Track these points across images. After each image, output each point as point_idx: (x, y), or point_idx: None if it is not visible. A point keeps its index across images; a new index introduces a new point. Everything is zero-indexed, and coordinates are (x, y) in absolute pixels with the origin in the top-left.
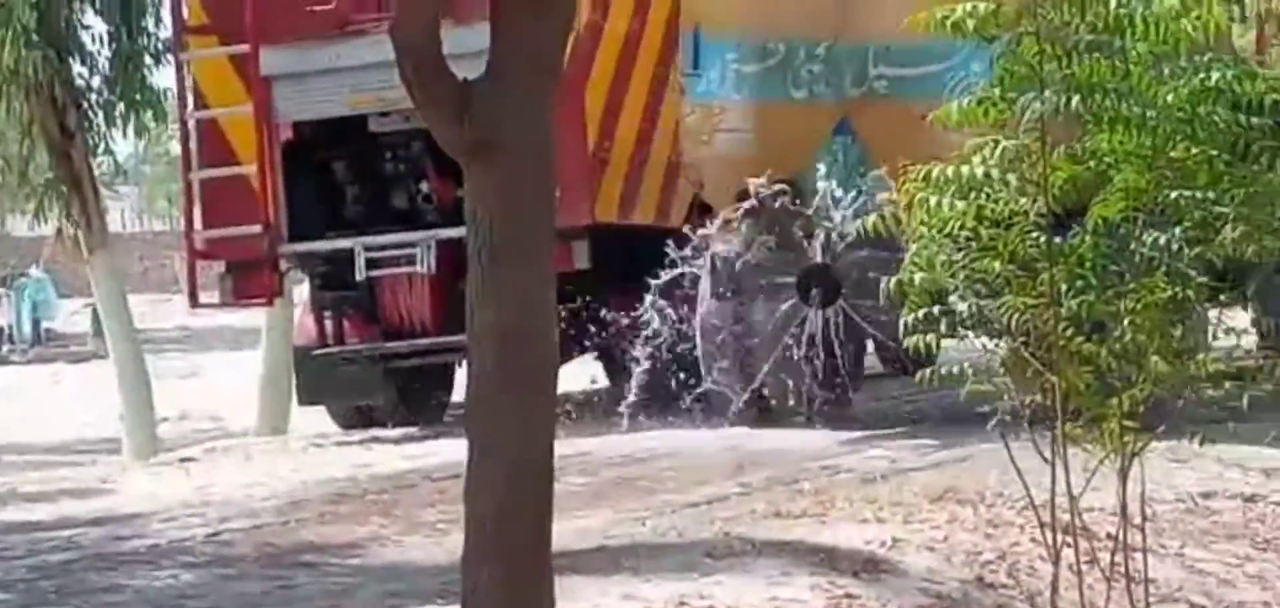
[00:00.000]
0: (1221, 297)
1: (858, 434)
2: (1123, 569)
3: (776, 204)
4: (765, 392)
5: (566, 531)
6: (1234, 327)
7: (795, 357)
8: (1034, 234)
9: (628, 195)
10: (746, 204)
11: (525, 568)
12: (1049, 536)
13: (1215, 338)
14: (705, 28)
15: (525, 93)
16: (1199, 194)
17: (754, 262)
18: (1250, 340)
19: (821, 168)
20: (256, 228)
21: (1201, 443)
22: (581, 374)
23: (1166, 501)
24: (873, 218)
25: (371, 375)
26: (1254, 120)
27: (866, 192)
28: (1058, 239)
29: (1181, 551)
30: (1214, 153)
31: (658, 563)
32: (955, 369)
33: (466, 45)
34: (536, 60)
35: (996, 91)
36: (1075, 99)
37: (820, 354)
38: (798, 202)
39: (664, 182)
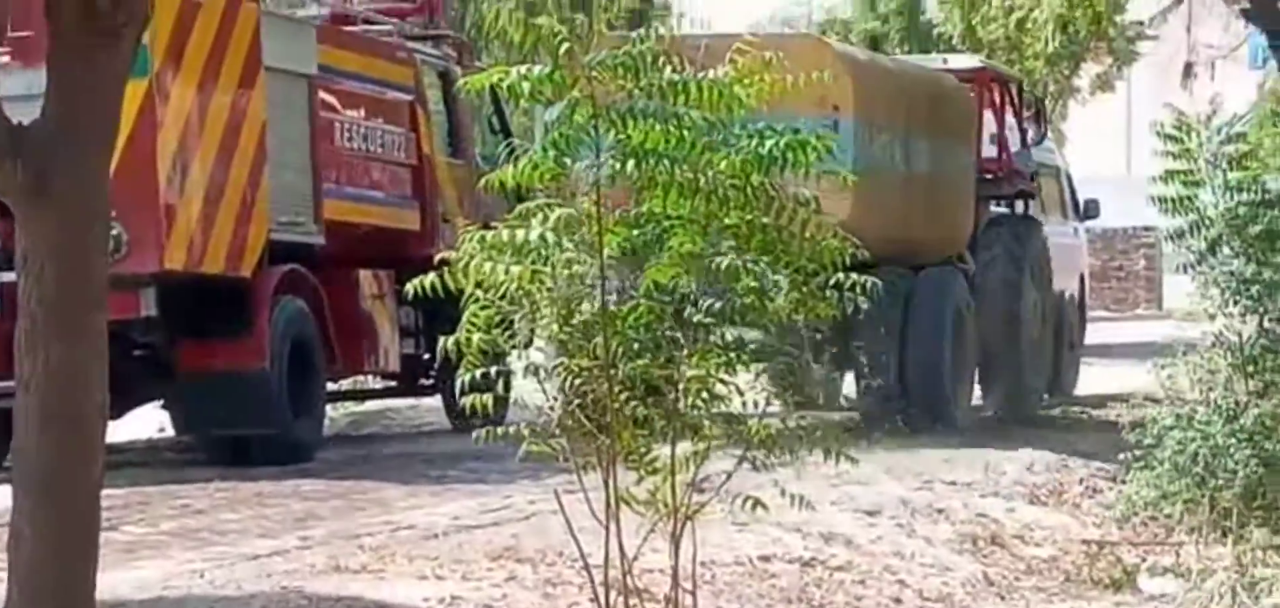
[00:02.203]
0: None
1: (424, 489)
2: None
3: None
4: None
5: (123, 581)
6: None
7: None
8: (591, 297)
9: (198, 244)
10: None
11: None
12: (603, 595)
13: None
14: None
15: (80, 138)
16: (751, 262)
17: None
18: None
19: None
20: None
21: (753, 508)
22: (149, 422)
23: (727, 563)
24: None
25: None
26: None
27: None
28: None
29: None
30: (767, 221)
31: None
32: (512, 428)
33: (35, 87)
34: (92, 106)
35: (550, 155)
36: (630, 163)
37: None
38: None
39: (235, 230)
